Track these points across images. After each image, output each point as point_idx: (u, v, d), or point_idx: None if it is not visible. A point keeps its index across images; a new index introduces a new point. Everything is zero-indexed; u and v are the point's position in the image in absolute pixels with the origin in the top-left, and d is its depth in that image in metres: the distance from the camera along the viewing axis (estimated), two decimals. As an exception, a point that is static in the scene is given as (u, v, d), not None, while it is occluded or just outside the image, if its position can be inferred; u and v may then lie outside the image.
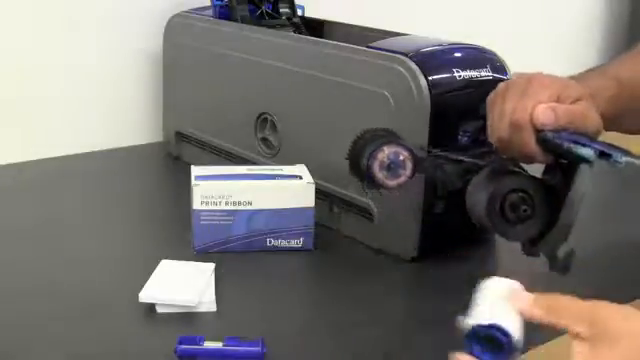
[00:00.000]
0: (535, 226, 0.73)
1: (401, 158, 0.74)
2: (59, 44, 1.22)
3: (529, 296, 0.62)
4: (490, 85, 0.88)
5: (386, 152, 0.74)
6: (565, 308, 0.60)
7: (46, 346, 0.72)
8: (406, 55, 0.87)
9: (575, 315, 0.59)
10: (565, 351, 0.59)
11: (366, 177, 0.75)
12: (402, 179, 0.75)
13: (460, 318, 0.61)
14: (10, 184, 1.12)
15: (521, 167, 0.77)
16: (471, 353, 0.60)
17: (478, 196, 0.76)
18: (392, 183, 0.75)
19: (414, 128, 0.85)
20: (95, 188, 1.12)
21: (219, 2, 1.14)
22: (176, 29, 1.20)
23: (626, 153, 0.71)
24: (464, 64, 0.88)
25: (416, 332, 0.77)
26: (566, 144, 0.72)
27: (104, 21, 1.25)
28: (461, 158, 0.78)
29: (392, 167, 0.74)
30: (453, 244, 0.89)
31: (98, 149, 1.26)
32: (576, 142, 0.71)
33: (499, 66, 0.90)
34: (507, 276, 0.65)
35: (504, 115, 0.74)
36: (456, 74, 0.86)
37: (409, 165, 0.74)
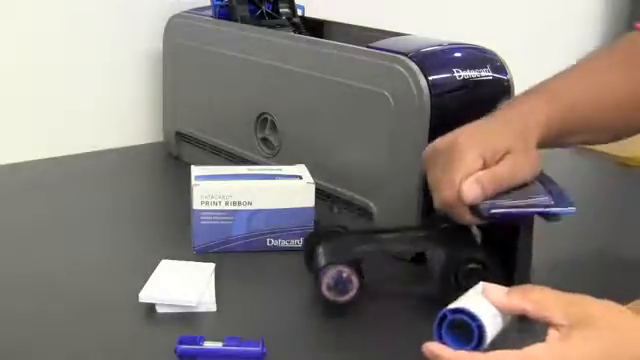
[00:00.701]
0: None
1: (344, 275, 0.76)
2: (59, 44, 1.22)
3: (502, 288, 0.63)
4: (490, 85, 0.89)
5: (329, 275, 0.76)
6: (542, 297, 0.61)
7: (46, 346, 0.72)
8: (406, 55, 0.87)
9: (553, 304, 0.60)
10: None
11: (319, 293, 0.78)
12: (352, 292, 0.77)
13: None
14: (10, 184, 1.12)
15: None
16: (442, 341, 0.61)
17: (434, 258, 0.81)
18: (344, 299, 0.77)
19: (414, 128, 0.85)
20: (95, 188, 1.12)
21: (219, 2, 1.14)
22: (176, 29, 1.20)
23: (562, 201, 0.74)
24: (464, 64, 0.88)
25: (416, 332, 0.76)
26: (499, 214, 0.74)
27: (104, 21, 1.25)
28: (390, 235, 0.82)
29: (339, 286, 0.77)
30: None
31: (98, 149, 1.26)
32: (509, 215, 0.74)
33: (499, 66, 0.90)
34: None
35: (434, 190, 0.77)
36: (456, 74, 0.86)
37: (354, 279, 0.77)
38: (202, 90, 1.17)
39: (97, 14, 1.24)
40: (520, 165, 0.76)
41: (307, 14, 1.18)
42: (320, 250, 0.80)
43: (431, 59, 0.88)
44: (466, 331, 0.61)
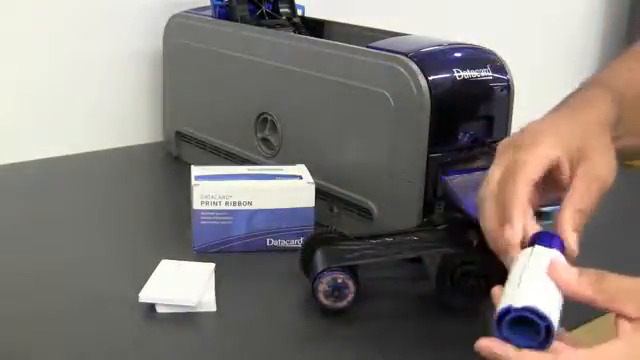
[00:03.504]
0: (486, 294, 0.76)
1: (340, 281, 0.77)
2: (57, 44, 1.22)
3: (573, 271, 0.57)
4: (490, 85, 0.89)
5: (324, 282, 0.77)
6: (615, 287, 0.56)
7: (46, 345, 0.72)
8: (406, 55, 0.87)
9: (625, 295, 0.56)
10: (605, 331, 0.56)
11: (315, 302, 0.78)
12: (349, 298, 0.77)
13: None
14: (9, 184, 1.12)
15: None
16: (503, 337, 0.55)
17: (430, 259, 0.81)
18: (341, 305, 0.77)
19: (414, 128, 0.85)
20: (95, 188, 1.12)
21: (219, 2, 1.14)
22: (176, 29, 1.20)
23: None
24: (464, 64, 0.88)
25: (418, 331, 0.77)
26: None
27: (104, 21, 1.25)
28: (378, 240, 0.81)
29: (336, 292, 0.77)
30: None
31: (98, 149, 1.26)
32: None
33: (499, 66, 0.90)
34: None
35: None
36: (456, 74, 0.86)
37: (351, 284, 0.77)
38: (202, 90, 1.17)
39: (97, 14, 1.24)
40: (600, 168, 0.66)
41: (307, 14, 1.18)
42: (315, 257, 0.80)
43: (431, 59, 0.88)
44: (530, 325, 0.55)
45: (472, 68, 0.87)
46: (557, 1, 1.95)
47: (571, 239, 0.63)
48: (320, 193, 0.93)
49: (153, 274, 0.80)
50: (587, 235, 1.00)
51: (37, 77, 1.21)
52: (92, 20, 1.24)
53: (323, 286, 0.77)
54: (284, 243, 0.90)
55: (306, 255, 0.82)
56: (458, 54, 0.91)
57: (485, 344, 0.55)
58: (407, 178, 0.86)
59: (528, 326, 0.55)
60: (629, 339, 0.55)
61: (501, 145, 0.68)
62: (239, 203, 0.89)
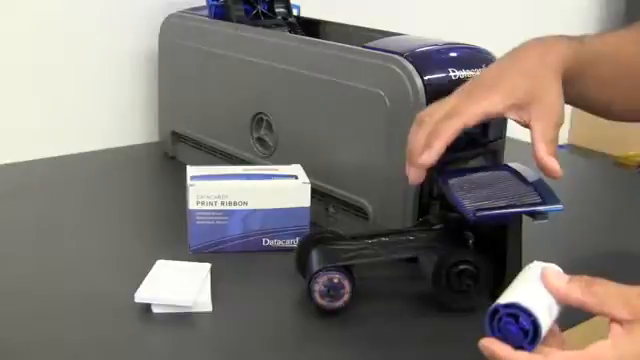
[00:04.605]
0: (482, 293, 0.78)
1: (336, 281, 0.77)
2: (55, 44, 1.22)
3: (564, 277, 0.59)
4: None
5: (320, 282, 0.77)
6: (605, 291, 0.58)
7: (42, 346, 0.72)
8: (402, 55, 0.87)
9: (615, 299, 0.57)
10: (598, 332, 0.57)
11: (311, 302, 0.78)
12: (345, 298, 0.78)
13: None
14: (5, 184, 1.12)
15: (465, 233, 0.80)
16: (493, 335, 0.58)
17: (425, 259, 0.81)
18: (336, 305, 0.78)
19: (409, 128, 0.85)
20: (91, 188, 1.12)
21: (215, 2, 1.14)
22: (172, 29, 1.20)
23: (549, 199, 0.73)
24: (459, 64, 0.88)
25: (413, 330, 0.77)
26: (485, 217, 0.73)
27: (99, 21, 1.25)
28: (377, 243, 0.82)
29: (331, 292, 0.77)
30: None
31: (93, 149, 1.26)
32: (496, 217, 0.73)
33: (494, 66, 0.90)
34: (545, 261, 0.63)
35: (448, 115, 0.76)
36: (451, 74, 0.86)
37: (346, 283, 0.77)
38: (198, 90, 1.17)
39: (93, 14, 1.24)
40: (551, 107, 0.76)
41: (303, 14, 1.18)
42: (311, 256, 0.80)
43: (426, 59, 0.88)
44: (520, 325, 0.58)
45: (468, 68, 0.88)
46: (553, 1, 1.95)
47: (551, 161, 0.73)
48: (316, 193, 0.93)
49: (149, 274, 0.80)
50: (584, 234, 1.00)
51: (33, 78, 1.21)
52: (88, 20, 1.24)
53: (319, 286, 0.77)
54: (280, 243, 0.90)
55: (302, 255, 0.82)
56: (454, 54, 0.91)
57: (485, 345, 0.57)
58: (402, 177, 0.86)
59: (518, 327, 0.57)
60: (618, 341, 0.56)
61: (460, 88, 0.79)
62: (235, 203, 0.89)
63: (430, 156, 0.74)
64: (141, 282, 0.78)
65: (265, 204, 0.89)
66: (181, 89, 1.21)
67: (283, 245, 0.90)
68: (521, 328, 0.57)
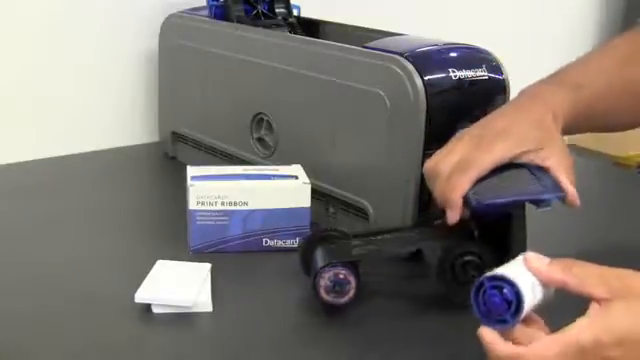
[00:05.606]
0: None
1: (341, 277, 0.77)
2: (55, 44, 1.22)
3: (545, 259, 0.62)
4: (486, 85, 0.89)
5: (326, 277, 0.77)
6: (584, 272, 0.60)
7: (42, 345, 0.72)
8: (402, 55, 0.87)
9: (595, 279, 0.59)
10: None
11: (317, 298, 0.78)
12: (350, 293, 0.77)
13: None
14: (5, 184, 1.12)
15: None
16: (481, 312, 0.60)
17: (430, 252, 0.81)
18: (342, 301, 0.77)
19: (410, 128, 0.85)
20: (91, 188, 1.12)
21: (215, 2, 1.14)
22: (172, 29, 1.20)
23: (552, 188, 0.75)
24: (460, 64, 0.88)
25: (414, 329, 0.77)
26: (489, 205, 0.74)
27: (100, 21, 1.25)
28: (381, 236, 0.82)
29: (337, 287, 0.77)
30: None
31: (94, 149, 1.26)
32: (499, 205, 0.75)
33: (494, 66, 0.90)
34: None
35: (460, 169, 0.77)
36: (452, 74, 0.86)
37: (352, 279, 0.77)
38: (198, 90, 1.17)
39: (93, 14, 1.24)
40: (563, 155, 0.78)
41: (303, 14, 1.18)
42: (316, 253, 0.80)
43: (427, 59, 0.88)
44: (504, 296, 0.60)
45: (468, 68, 0.88)
46: (553, 1, 1.95)
47: (571, 190, 0.75)
48: (316, 193, 0.93)
49: (149, 274, 0.80)
50: (583, 233, 1.00)
51: (33, 78, 1.21)
52: (88, 20, 1.24)
53: (324, 281, 0.76)
54: (280, 243, 0.90)
55: (306, 252, 0.82)
56: (454, 54, 0.91)
57: (482, 334, 0.60)
58: (403, 178, 0.86)
59: (502, 298, 0.59)
60: (595, 320, 0.58)
61: (463, 134, 0.80)
62: (235, 203, 0.89)
63: (455, 214, 0.75)
64: (141, 282, 0.78)
65: (265, 204, 0.89)
66: (181, 89, 1.21)
67: (283, 245, 0.90)
68: (504, 299, 0.59)
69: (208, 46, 1.13)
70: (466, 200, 0.75)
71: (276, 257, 0.89)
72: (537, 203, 0.74)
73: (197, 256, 0.88)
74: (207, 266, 0.83)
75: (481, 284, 0.61)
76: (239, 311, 0.79)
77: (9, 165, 1.17)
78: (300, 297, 0.81)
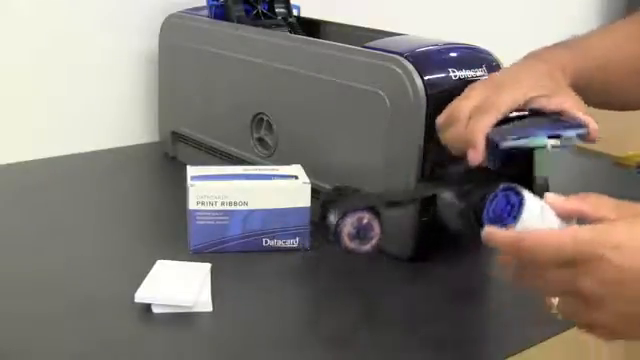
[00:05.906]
0: None
1: (365, 222, 0.75)
2: (55, 44, 1.22)
3: (562, 197, 0.64)
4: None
5: (349, 223, 0.75)
6: (598, 200, 0.63)
7: (42, 346, 0.72)
8: (402, 55, 0.87)
9: (608, 205, 0.62)
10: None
11: (340, 246, 0.76)
12: (374, 240, 0.76)
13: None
14: (5, 184, 1.12)
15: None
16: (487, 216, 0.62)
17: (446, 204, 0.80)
18: (366, 248, 0.76)
19: (410, 128, 0.85)
20: (91, 188, 1.12)
21: (215, 2, 1.14)
22: (172, 29, 1.20)
23: (574, 126, 0.76)
24: (460, 64, 0.88)
25: (414, 331, 0.77)
26: (514, 142, 0.75)
27: (100, 21, 1.25)
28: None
29: (361, 234, 0.75)
30: (450, 243, 0.89)
31: (94, 149, 1.26)
32: (524, 136, 0.75)
33: (494, 66, 0.90)
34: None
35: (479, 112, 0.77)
36: (452, 74, 0.86)
37: (376, 225, 0.75)
38: (198, 90, 1.17)
39: (93, 14, 1.24)
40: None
41: (303, 14, 1.18)
42: (337, 202, 0.78)
43: (427, 59, 0.88)
44: (509, 200, 0.62)
45: (468, 68, 0.88)
46: (553, 1, 1.95)
47: (592, 124, 0.77)
48: (316, 193, 0.93)
49: (149, 274, 0.80)
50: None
51: (33, 78, 1.21)
52: (88, 20, 1.24)
53: (347, 228, 0.74)
54: (280, 243, 0.90)
55: (326, 204, 0.79)
56: (454, 54, 0.91)
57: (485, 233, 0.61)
58: (403, 177, 0.86)
59: (507, 202, 0.62)
60: (600, 225, 0.60)
61: (476, 83, 0.81)
62: (235, 203, 0.89)
63: (478, 155, 0.75)
64: (141, 282, 0.78)
65: (265, 204, 0.89)
66: (181, 89, 1.21)
67: (283, 245, 0.90)
68: (509, 202, 0.62)
69: (208, 46, 1.13)
70: (488, 140, 0.74)
71: (276, 257, 0.89)
72: (559, 138, 0.75)
73: (197, 256, 0.88)
74: (207, 266, 0.83)
75: (496, 195, 0.63)
76: (239, 311, 0.79)
77: (9, 165, 1.17)
78: (300, 297, 0.81)
